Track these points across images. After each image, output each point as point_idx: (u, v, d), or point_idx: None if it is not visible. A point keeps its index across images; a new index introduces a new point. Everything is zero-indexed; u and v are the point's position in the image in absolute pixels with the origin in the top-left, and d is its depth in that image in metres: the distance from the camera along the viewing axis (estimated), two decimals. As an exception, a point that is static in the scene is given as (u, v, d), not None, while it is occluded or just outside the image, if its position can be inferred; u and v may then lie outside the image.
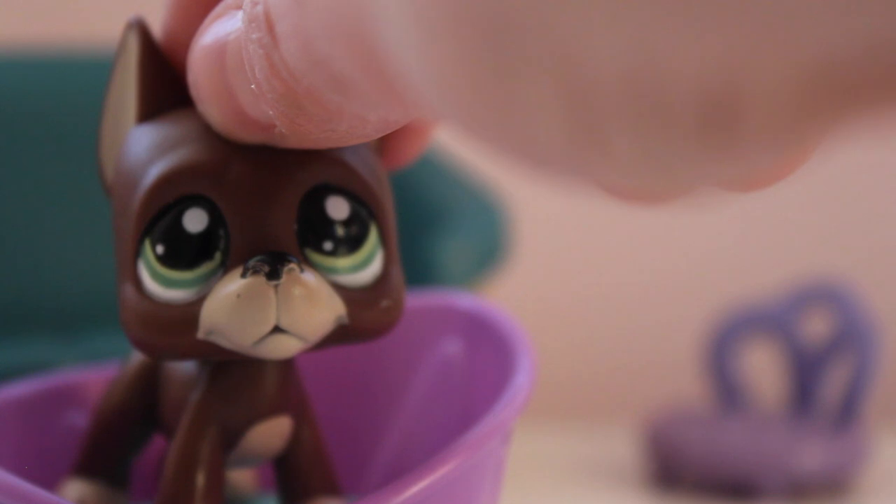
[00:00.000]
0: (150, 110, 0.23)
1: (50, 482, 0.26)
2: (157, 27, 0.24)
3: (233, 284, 0.21)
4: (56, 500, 0.22)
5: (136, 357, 0.26)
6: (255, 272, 0.21)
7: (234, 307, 0.21)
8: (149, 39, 0.23)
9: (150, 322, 0.22)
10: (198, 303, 0.22)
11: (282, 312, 0.21)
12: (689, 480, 0.56)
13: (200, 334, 0.21)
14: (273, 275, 0.21)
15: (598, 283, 0.71)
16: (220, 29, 0.21)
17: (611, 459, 0.60)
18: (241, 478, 0.28)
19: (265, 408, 0.23)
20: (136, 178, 0.22)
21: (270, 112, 0.20)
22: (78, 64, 0.59)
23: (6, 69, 0.58)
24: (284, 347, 0.21)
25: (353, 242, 0.22)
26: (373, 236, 0.23)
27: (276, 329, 0.21)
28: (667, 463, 0.56)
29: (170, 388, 0.25)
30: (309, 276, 0.21)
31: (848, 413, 0.55)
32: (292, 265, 0.21)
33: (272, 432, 0.24)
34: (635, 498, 0.55)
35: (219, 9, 0.21)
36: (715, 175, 0.14)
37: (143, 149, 0.22)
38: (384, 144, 0.25)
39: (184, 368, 0.24)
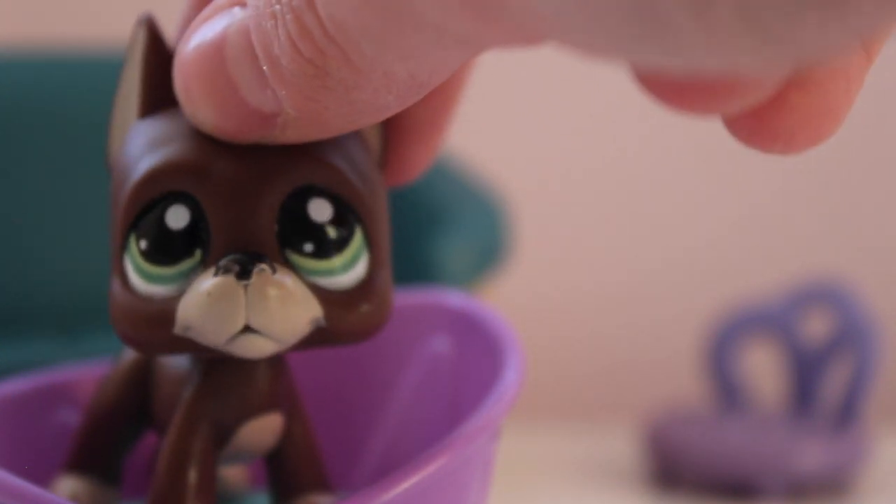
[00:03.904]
0: (151, 107, 0.23)
1: (43, 479, 0.26)
2: (170, 26, 0.24)
3: (205, 283, 0.21)
4: (50, 498, 0.22)
5: (129, 354, 0.26)
6: (226, 271, 0.21)
7: (204, 305, 0.21)
8: (156, 37, 0.24)
9: (132, 315, 0.22)
10: (176, 298, 0.22)
11: (252, 312, 0.21)
12: (689, 480, 0.56)
13: (177, 330, 0.22)
14: (243, 274, 0.21)
15: (597, 283, 0.71)
16: (214, 26, 0.21)
17: (611, 459, 0.60)
18: (233, 474, 0.28)
19: (257, 404, 0.24)
20: (126, 173, 0.23)
21: (282, 92, 0.20)
22: (80, 64, 0.59)
23: (7, 69, 0.58)
24: (257, 347, 0.21)
25: (335, 245, 0.22)
26: (357, 240, 0.22)
27: (248, 329, 0.21)
28: (667, 463, 0.56)
29: (162, 385, 0.25)
30: (283, 277, 0.21)
31: (848, 413, 0.55)
32: (263, 266, 0.21)
33: (264, 429, 0.24)
34: (635, 498, 0.55)
35: (206, 12, 0.21)
36: (820, 39, 0.14)
37: (137, 144, 0.23)
38: (390, 155, 0.25)
39: (176, 365, 0.24)
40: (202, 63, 0.21)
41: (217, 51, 0.21)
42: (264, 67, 0.20)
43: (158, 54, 0.23)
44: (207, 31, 0.21)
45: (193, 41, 0.21)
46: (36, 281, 0.56)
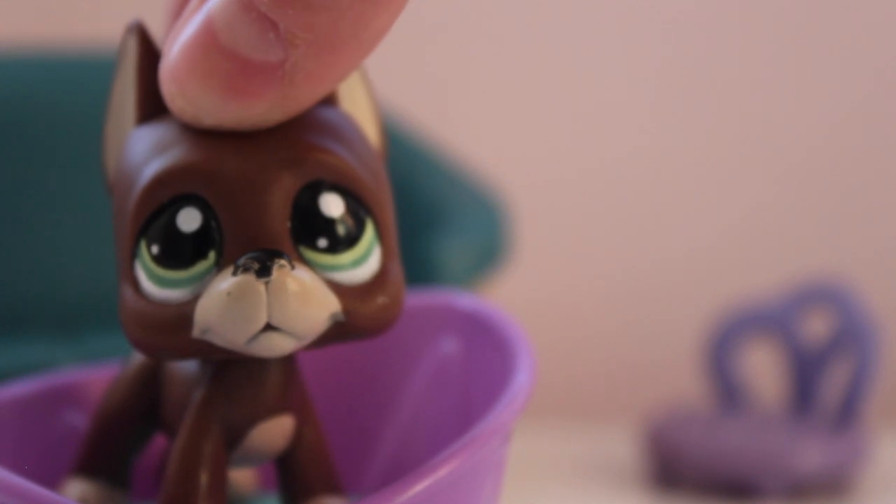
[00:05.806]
0: (148, 112, 0.23)
1: (49, 482, 0.26)
2: (158, 30, 0.24)
3: (224, 283, 0.21)
4: (57, 499, 0.22)
5: (138, 356, 0.26)
6: (246, 270, 0.21)
7: (225, 305, 0.21)
8: (147, 43, 0.23)
9: (147, 322, 0.22)
10: (192, 302, 0.22)
11: (273, 310, 0.21)
12: (689, 480, 0.56)
13: (196, 333, 0.21)
14: (263, 272, 0.21)
15: (597, 283, 0.71)
16: (194, 22, 0.21)
17: (611, 459, 0.60)
18: (242, 477, 0.28)
19: (268, 406, 0.23)
20: (132, 180, 0.22)
21: (283, 24, 0.20)
22: (79, 65, 0.59)
23: (7, 69, 0.58)
24: (278, 345, 0.21)
25: (348, 239, 0.22)
26: (369, 233, 0.22)
27: (269, 327, 0.21)
28: (667, 463, 0.56)
29: (172, 388, 0.25)
30: (301, 273, 0.21)
31: (848, 413, 0.55)
32: (283, 262, 0.21)
33: (275, 431, 0.24)
34: (635, 498, 0.55)
35: (179, 23, 0.21)
36: None
37: (139, 150, 0.23)
38: None
39: (186, 367, 0.24)
40: (194, 53, 0.21)
41: (207, 34, 0.21)
42: (262, 8, 0.20)
43: (151, 60, 0.23)
44: (188, 30, 0.21)
45: (176, 45, 0.21)
46: (36, 281, 0.56)
